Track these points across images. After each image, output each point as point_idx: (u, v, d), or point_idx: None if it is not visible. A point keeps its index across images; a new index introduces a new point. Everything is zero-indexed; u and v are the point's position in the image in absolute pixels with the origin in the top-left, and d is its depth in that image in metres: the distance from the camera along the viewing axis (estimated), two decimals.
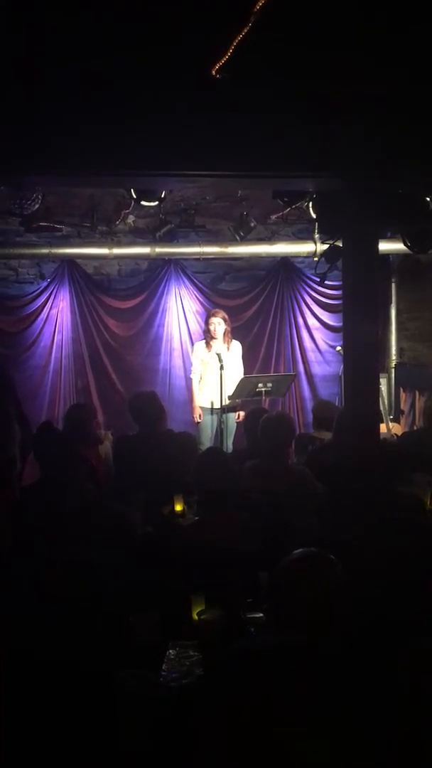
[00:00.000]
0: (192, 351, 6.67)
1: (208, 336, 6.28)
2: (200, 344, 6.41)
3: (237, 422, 6.13)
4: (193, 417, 6.40)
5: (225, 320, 6.25)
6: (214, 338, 6.22)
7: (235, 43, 2.88)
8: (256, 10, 2.64)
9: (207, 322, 6.32)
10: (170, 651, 2.31)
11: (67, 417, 4.70)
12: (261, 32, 2.72)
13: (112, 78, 3.23)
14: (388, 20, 3.02)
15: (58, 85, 3.23)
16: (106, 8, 2.92)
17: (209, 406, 6.20)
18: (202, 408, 6.29)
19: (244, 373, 6.26)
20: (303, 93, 3.37)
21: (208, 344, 6.27)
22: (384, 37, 3.15)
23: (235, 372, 6.10)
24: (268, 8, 2.56)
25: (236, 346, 6.35)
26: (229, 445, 5.98)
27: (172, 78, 3.24)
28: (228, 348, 6.21)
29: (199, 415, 6.30)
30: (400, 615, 1.82)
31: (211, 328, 6.22)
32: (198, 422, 6.30)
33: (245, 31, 2.77)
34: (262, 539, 2.87)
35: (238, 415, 6.14)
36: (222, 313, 6.32)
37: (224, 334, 6.23)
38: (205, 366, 6.29)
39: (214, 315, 6.29)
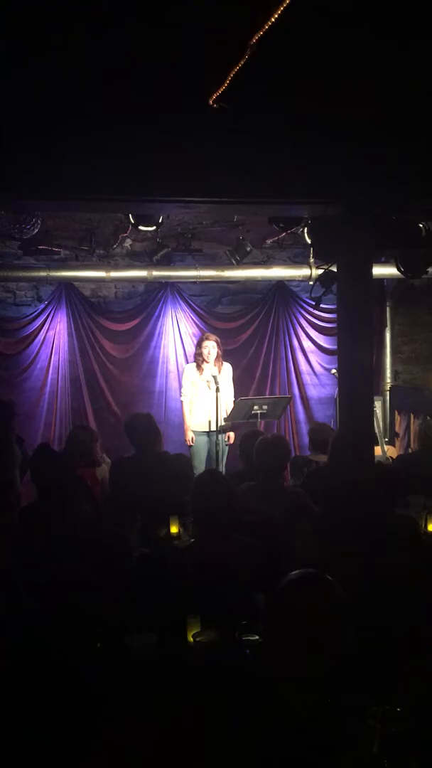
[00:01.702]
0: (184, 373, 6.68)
1: (199, 359, 6.29)
2: (191, 367, 6.42)
3: (227, 444, 6.14)
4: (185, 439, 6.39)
5: (218, 344, 6.29)
6: (206, 362, 6.24)
7: (232, 75, 2.96)
8: (252, 42, 2.72)
9: (200, 346, 6.32)
10: None
11: (71, 437, 4.72)
12: (259, 60, 2.78)
13: (112, 105, 3.30)
14: (388, 47, 3.10)
15: (59, 113, 3.29)
16: (108, 36, 2.99)
17: (201, 429, 6.19)
18: (194, 431, 6.28)
19: (238, 396, 6.28)
20: (299, 121, 3.45)
21: (199, 367, 6.29)
22: (382, 65, 3.23)
23: (226, 395, 6.11)
24: (267, 36, 2.62)
25: (227, 369, 6.37)
26: (222, 467, 5.97)
27: (171, 106, 3.31)
28: (219, 371, 6.21)
29: (192, 439, 6.29)
30: (398, 635, 1.82)
31: (204, 351, 6.24)
32: (190, 446, 6.28)
33: (242, 62, 2.84)
34: (258, 561, 2.87)
35: (228, 437, 6.14)
36: (214, 337, 6.35)
37: (216, 357, 6.26)
38: (196, 389, 6.29)
39: (207, 339, 6.31)
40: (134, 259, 7.16)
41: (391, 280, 7.04)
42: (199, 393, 6.26)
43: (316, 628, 1.46)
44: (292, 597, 1.52)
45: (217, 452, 5.84)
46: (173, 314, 7.20)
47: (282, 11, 2.47)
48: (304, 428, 7.03)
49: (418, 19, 2.97)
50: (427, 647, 1.85)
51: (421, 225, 4.44)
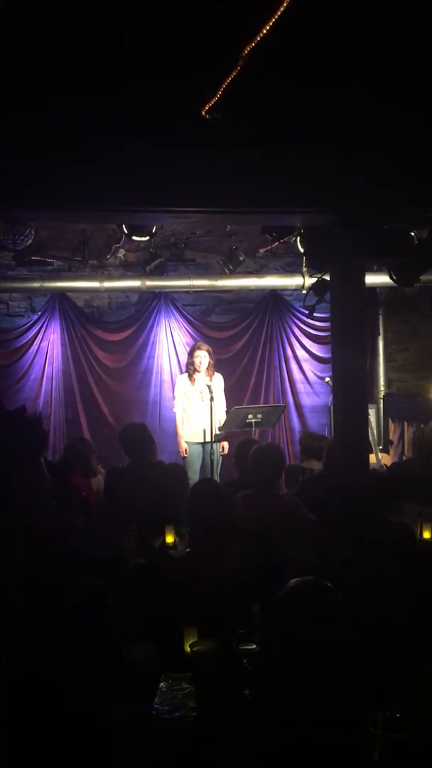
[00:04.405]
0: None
1: (191, 369, 6.28)
2: (182, 378, 6.41)
3: (222, 454, 6.13)
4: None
5: (209, 353, 6.29)
6: (198, 371, 6.24)
7: (224, 86, 2.98)
8: (245, 54, 2.74)
9: (192, 355, 6.32)
10: (162, 684, 2.29)
11: (69, 448, 4.72)
12: (252, 71, 2.81)
13: (105, 117, 3.32)
14: (379, 59, 3.13)
15: (52, 123, 3.31)
16: (102, 47, 3.01)
17: (195, 440, 6.17)
18: (188, 442, 6.26)
19: (231, 405, 6.28)
20: (292, 132, 3.47)
21: (191, 377, 6.28)
22: (373, 76, 3.26)
23: (217, 404, 6.11)
24: (260, 47, 2.65)
25: (218, 379, 6.35)
26: (216, 477, 5.96)
27: (164, 117, 3.33)
28: (210, 380, 6.20)
29: (185, 450, 6.25)
30: (395, 640, 1.82)
31: (197, 361, 6.23)
32: (184, 457, 6.24)
33: (235, 73, 2.86)
34: (255, 570, 2.87)
35: (222, 447, 6.13)
36: (206, 346, 6.35)
37: (208, 367, 6.25)
38: (188, 399, 6.29)
39: (199, 348, 6.31)
40: (127, 269, 7.18)
41: (383, 288, 7.08)
42: (191, 404, 6.25)
43: (317, 635, 1.45)
44: (292, 604, 1.51)
45: (211, 462, 5.83)
46: (167, 324, 7.22)
47: (273, 25, 2.49)
48: (299, 436, 7.03)
49: (411, 31, 3.01)
50: (425, 653, 1.85)
51: (413, 233, 4.48)
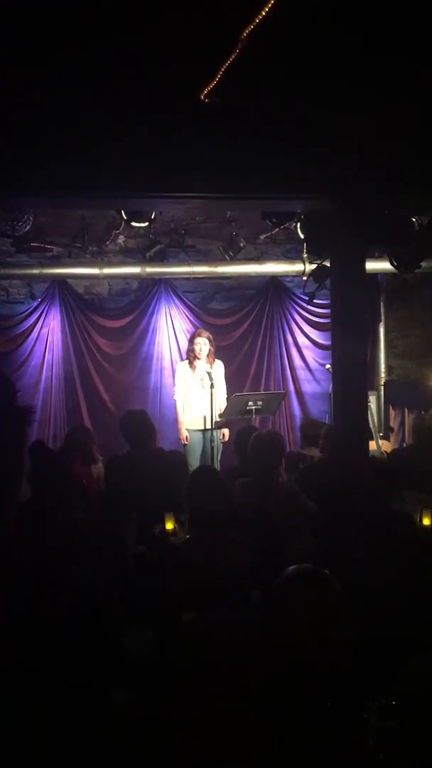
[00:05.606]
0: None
1: (191, 356, 6.27)
2: (183, 365, 6.40)
3: (222, 442, 6.12)
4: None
5: (210, 340, 6.27)
6: (198, 358, 6.22)
7: (223, 69, 2.95)
8: (243, 36, 2.71)
9: (192, 342, 6.30)
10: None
11: (69, 438, 4.73)
12: (252, 57, 2.78)
13: (104, 103, 3.29)
14: (378, 47, 3.11)
15: (52, 110, 3.28)
16: (101, 34, 2.98)
17: (195, 427, 6.16)
18: (188, 429, 6.25)
19: (231, 392, 6.26)
20: (292, 117, 3.45)
21: (191, 364, 6.26)
22: (372, 63, 3.23)
23: (217, 391, 6.09)
24: (260, 34, 2.63)
25: (219, 366, 6.34)
26: (216, 464, 5.96)
27: (163, 103, 3.30)
28: (211, 367, 6.18)
29: (186, 437, 6.25)
30: (394, 631, 1.82)
31: (197, 348, 6.21)
32: (185, 444, 6.24)
33: (233, 57, 2.84)
34: (253, 558, 2.87)
35: (223, 434, 6.13)
36: (207, 333, 6.33)
37: (208, 354, 6.24)
38: (189, 386, 6.27)
39: (199, 335, 6.29)
40: (127, 255, 7.14)
41: (384, 274, 7.04)
42: (192, 391, 6.24)
43: (314, 623, 1.46)
44: (289, 592, 1.52)
45: (212, 449, 5.83)
46: (167, 311, 7.19)
47: (274, 7, 2.47)
48: (299, 423, 7.03)
49: (408, 17, 2.98)
50: (424, 642, 1.86)
51: (413, 219, 4.45)
